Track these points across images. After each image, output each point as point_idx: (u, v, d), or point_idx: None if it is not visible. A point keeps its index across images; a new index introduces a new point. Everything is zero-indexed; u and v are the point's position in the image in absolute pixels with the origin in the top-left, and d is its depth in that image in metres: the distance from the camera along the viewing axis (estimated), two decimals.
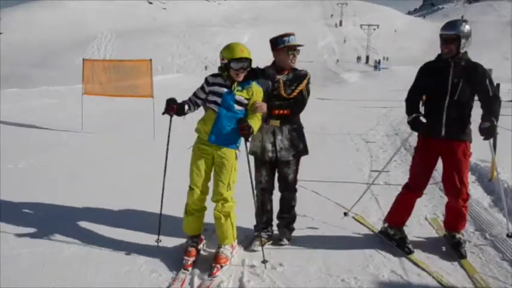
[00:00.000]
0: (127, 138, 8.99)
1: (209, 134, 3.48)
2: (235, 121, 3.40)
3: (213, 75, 3.63)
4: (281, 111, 3.65)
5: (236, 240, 3.68)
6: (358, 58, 70.58)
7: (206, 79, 3.63)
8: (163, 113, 3.54)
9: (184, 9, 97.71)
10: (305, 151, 3.91)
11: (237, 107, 3.47)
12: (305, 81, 3.75)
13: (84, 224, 4.24)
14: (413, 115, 3.77)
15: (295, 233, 4.08)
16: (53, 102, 14.89)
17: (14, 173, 6.20)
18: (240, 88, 3.48)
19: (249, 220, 3.94)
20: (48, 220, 4.35)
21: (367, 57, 69.92)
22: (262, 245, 3.60)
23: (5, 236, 3.90)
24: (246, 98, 3.48)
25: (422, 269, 3.47)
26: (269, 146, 3.75)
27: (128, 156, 7.49)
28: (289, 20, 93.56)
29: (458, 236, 3.85)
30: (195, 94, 3.65)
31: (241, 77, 3.45)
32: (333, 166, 7.08)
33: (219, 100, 3.47)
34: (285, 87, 3.69)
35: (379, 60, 62.03)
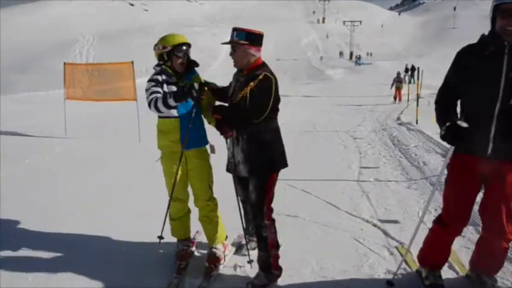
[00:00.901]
0: (112, 142, 8.79)
1: (180, 143, 3.24)
2: (216, 124, 3.06)
3: (158, 73, 3.25)
4: (215, 115, 3.04)
5: (227, 239, 3.63)
6: (341, 53, 70.85)
7: (156, 79, 3.22)
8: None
9: (166, 10, 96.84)
10: (267, 167, 3.09)
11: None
12: (251, 84, 2.93)
13: (71, 230, 4.10)
14: (448, 123, 2.65)
15: (287, 235, 3.98)
16: (34, 108, 14.56)
17: None
18: (187, 81, 3.21)
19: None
20: (36, 226, 4.19)
21: (351, 53, 70.21)
22: (248, 250, 3.42)
23: None
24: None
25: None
26: (230, 157, 3.24)
27: (114, 160, 7.32)
28: (271, 18, 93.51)
29: (490, 281, 2.99)
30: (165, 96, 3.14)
31: (183, 67, 3.23)
32: (321, 164, 7.02)
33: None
34: (235, 90, 3.12)
35: (359, 56, 62.64)
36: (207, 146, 3.46)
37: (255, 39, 3.07)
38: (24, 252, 3.68)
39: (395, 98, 20.47)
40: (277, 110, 3.14)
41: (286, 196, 5.20)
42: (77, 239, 3.96)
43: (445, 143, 3.14)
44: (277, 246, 3.18)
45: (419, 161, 6.81)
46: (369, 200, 5.05)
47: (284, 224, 4.21)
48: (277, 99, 3.07)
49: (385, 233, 4.04)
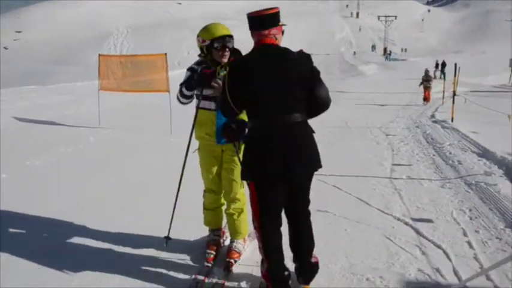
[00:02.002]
0: (144, 133, 8.95)
1: (215, 137, 3.24)
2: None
3: (197, 63, 3.26)
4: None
5: (249, 235, 3.62)
6: (373, 47, 69.67)
7: (192, 68, 3.24)
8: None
9: (200, 3, 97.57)
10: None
11: None
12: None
13: (98, 221, 4.16)
14: None
15: (316, 229, 3.93)
16: (70, 98, 14.98)
17: (31, 169, 6.20)
18: (225, 71, 3.03)
19: None
20: (64, 215, 4.30)
21: (385, 49, 68.80)
22: None
23: (18, 231, 3.88)
24: None
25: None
26: None
27: (145, 151, 7.44)
28: (305, 12, 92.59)
29: None
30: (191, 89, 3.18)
31: (226, 58, 3.13)
32: (353, 160, 6.91)
33: (210, 92, 3.13)
34: None
35: (390, 51, 61.56)
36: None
37: None
38: (53, 241, 3.76)
39: (425, 99, 18.11)
40: (253, 105, 2.69)
41: (316, 191, 5.09)
42: (93, 233, 3.94)
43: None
44: (265, 256, 2.83)
45: (454, 160, 6.59)
46: (401, 197, 4.93)
47: (314, 219, 4.13)
48: (240, 91, 2.66)
49: (417, 232, 3.92)
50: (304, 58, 2.71)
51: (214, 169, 3.39)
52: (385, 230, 4.00)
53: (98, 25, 79.92)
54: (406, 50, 67.39)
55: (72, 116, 10.98)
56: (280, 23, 2.75)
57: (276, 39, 2.75)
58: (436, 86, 19.98)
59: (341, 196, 5.01)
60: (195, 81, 3.13)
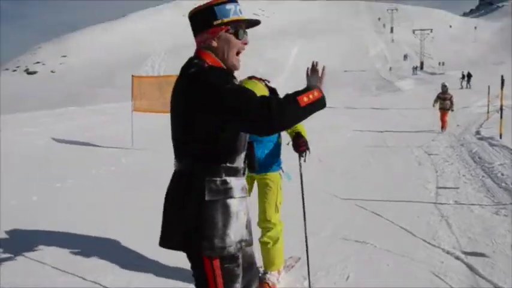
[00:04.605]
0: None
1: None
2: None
3: None
4: None
5: (284, 265, 3.38)
6: (405, 56, 68.63)
7: None
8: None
9: None
10: None
11: None
12: None
13: (122, 243, 3.99)
14: None
15: (354, 263, 3.58)
16: (106, 119, 15.23)
17: (61, 192, 6.15)
18: None
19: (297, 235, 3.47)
20: (89, 239, 4.13)
21: (422, 63, 67.27)
22: (309, 274, 3.12)
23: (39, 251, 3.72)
24: None
25: None
26: None
27: None
28: (338, 29, 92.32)
29: None
30: None
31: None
32: (393, 182, 6.46)
33: None
34: None
35: (417, 66, 61.17)
36: (280, 172, 3.24)
37: None
38: (87, 263, 3.60)
39: (442, 126, 12.88)
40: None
41: (355, 218, 4.78)
42: (136, 253, 3.84)
43: None
44: None
45: (507, 182, 6.03)
46: (449, 226, 4.47)
47: (351, 251, 3.83)
48: None
49: (471, 269, 3.46)
50: (193, 80, 1.71)
51: None
52: (432, 265, 3.56)
53: (136, 47, 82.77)
54: (443, 63, 65.69)
55: (107, 137, 11.05)
56: (215, 22, 1.77)
57: (211, 50, 1.80)
58: (478, 101, 18.86)
59: (381, 224, 4.60)
60: None
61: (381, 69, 64.30)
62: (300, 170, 3.17)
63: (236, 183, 1.78)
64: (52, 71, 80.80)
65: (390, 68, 65.14)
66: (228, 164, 1.76)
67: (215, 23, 1.76)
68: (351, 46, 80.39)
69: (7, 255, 3.79)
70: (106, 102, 22.95)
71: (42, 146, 9.74)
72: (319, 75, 1.81)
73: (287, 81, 42.27)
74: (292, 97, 1.64)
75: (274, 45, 79.22)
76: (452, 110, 13.29)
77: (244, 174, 1.87)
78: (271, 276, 3.24)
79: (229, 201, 1.74)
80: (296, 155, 3.14)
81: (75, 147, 9.86)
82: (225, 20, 1.76)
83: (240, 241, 1.77)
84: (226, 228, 1.71)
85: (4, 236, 4.33)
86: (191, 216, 1.70)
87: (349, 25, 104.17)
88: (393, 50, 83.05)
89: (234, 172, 1.78)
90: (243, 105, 1.58)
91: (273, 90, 3.09)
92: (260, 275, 3.30)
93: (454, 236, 4.19)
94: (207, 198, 1.70)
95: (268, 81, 3.16)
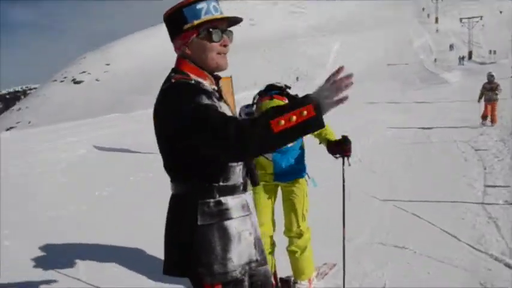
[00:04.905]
0: None
1: (273, 177, 3.04)
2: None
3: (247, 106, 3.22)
4: None
5: (315, 273, 3.27)
6: (451, 46, 65.84)
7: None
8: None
9: (271, 23, 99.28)
10: None
11: None
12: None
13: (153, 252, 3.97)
14: None
15: (392, 270, 3.38)
16: (146, 126, 15.50)
17: (99, 200, 6.28)
18: None
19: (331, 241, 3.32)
20: (112, 249, 4.17)
21: (470, 53, 64.19)
22: (344, 279, 3.03)
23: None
24: None
25: None
26: None
27: None
28: (379, 22, 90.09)
29: None
30: None
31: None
32: (436, 181, 6.11)
33: None
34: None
35: (463, 56, 57.96)
36: (306, 178, 3.13)
37: None
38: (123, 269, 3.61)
39: (484, 118, 11.67)
40: None
41: (393, 221, 4.54)
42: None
43: None
44: None
45: None
46: (498, 229, 4.13)
47: (389, 257, 3.63)
48: None
49: None
50: (161, 99, 1.61)
51: (270, 204, 3.08)
52: (478, 273, 3.29)
53: (170, 55, 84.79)
54: (495, 51, 62.33)
55: (146, 143, 11.20)
56: (185, 27, 1.58)
57: (187, 57, 1.64)
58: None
59: (422, 227, 4.33)
60: None
61: (426, 60, 61.99)
62: (343, 175, 3.06)
63: (233, 202, 1.62)
64: (97, 79, 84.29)
65: (435, 60, 62.64)
66: (221, 183, 1.59)
67: (185, 27, 1.58)
68: (394, 39, 78.16)
69: (44, 267, 3.86)
70: (143, 109, 23.53)
71: (84, 153, 10.03)
72: (340, 84, 1.35)
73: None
74: (265, 119, 1.33)
75: (313, 43, 78.42)
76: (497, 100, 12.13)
77: (245, 189, 1.70)
78: (302, 286, 3.15)
79: (227, 223, 1.58)
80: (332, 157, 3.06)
81: (116, 154, 10.09)
82: (196, 22, 1.56)
83: (248, 263, 1.61)
84: (227, 252, 1.55)
85: (45, 247, 4.44)
86: (186, 242, 1.57)
87: (391, 17, 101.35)
88: (438, 40, 79.84)
89: (230, 191, 1.62)
90: (201, 128, 1.40)
91: (293, 99, 2.96)
92: (291, 285, 3.20)
93: (504, 240, 3.87)
94: (199, 222, 1.54)
95: (289, 87, 3.03)
